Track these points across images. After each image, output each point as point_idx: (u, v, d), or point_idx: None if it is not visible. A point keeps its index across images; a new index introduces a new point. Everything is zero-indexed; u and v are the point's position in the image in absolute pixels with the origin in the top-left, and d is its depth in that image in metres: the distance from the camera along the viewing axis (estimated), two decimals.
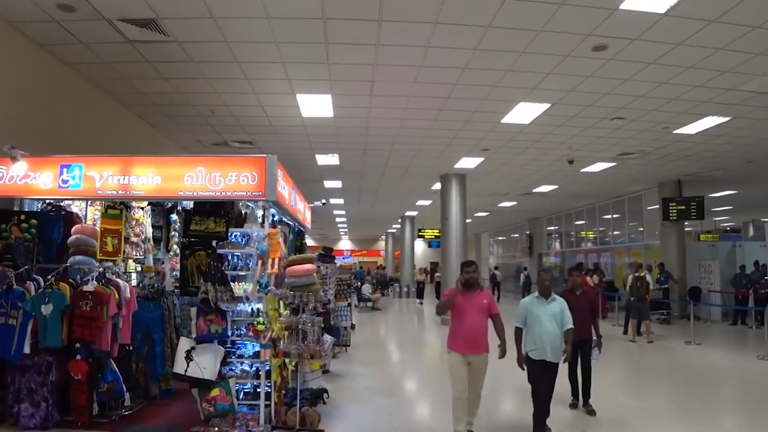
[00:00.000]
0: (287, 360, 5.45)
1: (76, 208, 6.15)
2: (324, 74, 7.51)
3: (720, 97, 8.45)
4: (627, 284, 12.42)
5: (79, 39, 6.24)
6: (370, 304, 19.16)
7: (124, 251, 6.07)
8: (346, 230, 39.21)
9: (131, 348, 5.68)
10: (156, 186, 5.53)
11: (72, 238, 5.51)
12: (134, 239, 6.43)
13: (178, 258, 7.15)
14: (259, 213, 6.00)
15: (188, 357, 5.11)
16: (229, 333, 5.36)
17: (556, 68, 7.34)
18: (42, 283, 5.25)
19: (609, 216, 20.89)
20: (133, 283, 6.46)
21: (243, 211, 6.00)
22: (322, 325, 5.43)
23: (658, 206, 16.53)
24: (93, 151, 5.98)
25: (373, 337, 13.05)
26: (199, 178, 5.49)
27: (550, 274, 5.52)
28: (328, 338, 6.41)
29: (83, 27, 5.95)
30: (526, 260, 30.35)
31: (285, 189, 6.25)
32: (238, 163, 5.57)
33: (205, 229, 5.59)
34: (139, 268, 6.85)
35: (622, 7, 5.65)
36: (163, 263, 7.36)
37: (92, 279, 5.27)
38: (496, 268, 28.42)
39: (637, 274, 11.78)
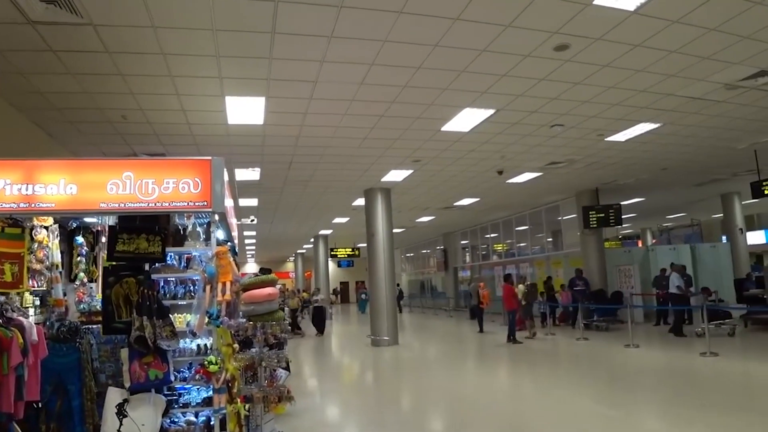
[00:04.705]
0: (243, 405, 4.53)
1: None
2: (263, 72, 6.65)
3: (657, 103, 8.56)
4: (521, 292, 14.67)
5: None
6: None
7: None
8: (253, 252, 37.47)
9: (39, 405, 4.46)
10: (70, 197, 4.42)
11: None
12: (36, 266, 5.16)
13: (85, 288, 6.04)
14: (199, 228, 5.04)
15: (120, 412, 4.05)
16: (172, 378, 4.34)
17: (512, 70, 6.99)
18: None
19: (526, 227, 21.31)
20: (32, 320, 5.20)
21: (180, 227, 5.00)
22: (290, 360, 4.55)
23: (575, 215, 17.02)
24: None
25: (303, 364, 12.06)
26: (126, 187, 4.46)
27: None
28: (282, 373, 5.51)
29: None
30: (440, 275, 30.58)
31: (228, 200, 5.33)
32: (176, 168, 4.60)
33: (135, 249, 4.54)
34: (38, 302, 5.59)
35: (596, 2, 5.36)
36: (66, 295, 6.13)
37: None
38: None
39: (528, 283, 15.39)
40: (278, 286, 7.21)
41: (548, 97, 8.10)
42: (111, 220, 4.88)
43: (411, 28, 5.73)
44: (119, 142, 9.23)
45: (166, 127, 8.69)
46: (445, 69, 6.91)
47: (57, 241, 5.47)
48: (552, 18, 5.67)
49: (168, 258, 4.81)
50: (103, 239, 5.75)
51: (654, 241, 30.13)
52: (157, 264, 4.68)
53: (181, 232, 4.98)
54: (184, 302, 4.81)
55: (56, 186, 4.40)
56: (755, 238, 23.64)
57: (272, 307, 4.64)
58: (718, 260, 17.53)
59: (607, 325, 14.38)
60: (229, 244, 6.31)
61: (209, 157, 4.59)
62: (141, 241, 4.55)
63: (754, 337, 11.68)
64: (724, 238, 22.41)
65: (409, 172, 12.96)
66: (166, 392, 4.43)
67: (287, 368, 5.58)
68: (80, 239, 6.05)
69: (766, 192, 11.74)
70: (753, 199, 12.59)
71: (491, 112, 8.66)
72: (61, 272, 5.56)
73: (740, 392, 7.29)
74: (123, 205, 4.47)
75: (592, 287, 15.56)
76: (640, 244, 29.73)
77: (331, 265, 32.16)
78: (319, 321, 18.28)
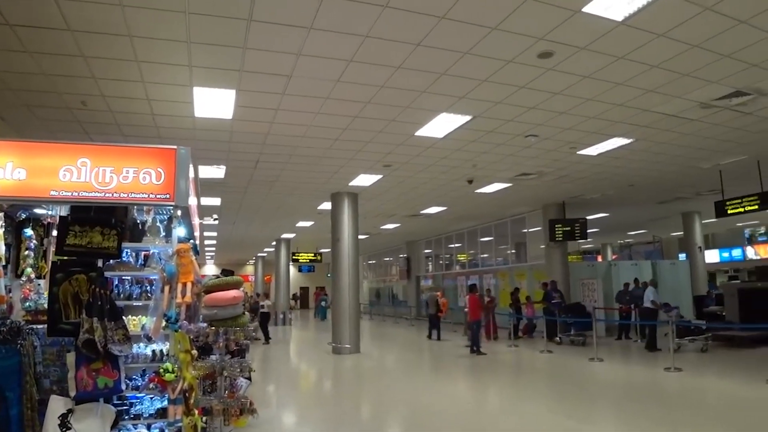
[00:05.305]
0: (200, 418, 4.18)
1: None
2: (235, 62, 6.32)
3: (633, 118, 8.58)
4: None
5: None
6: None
7: None
8: (213, 254, 36.52)
9: None
10: (18, 183, 4.02)
11: None
12: None
13: (32, 285, 5.57)
14: (159, 223, 4.67)
15: (64, 424, 3.65)
16: (123, 386, 3.96)
17: (493, 75, 6.85)
18: None
19: (490, 238, 21.33)
20: None
21: (138, 221, 4.61)
22: (253, 369, 4.23)
23: (540, 228, 17.10)
24: None
25: (262, 372, 11.62)
26: (82, 174, 4.09)
27: None
28: (243, 382, 5.16)
29: None
30: (402, 283, 30.42)
31: (192, 198, 4.98)
32: (137, 156, 4.25)
33: (88, 243, 4.15)
34: None
35: (585, 9, 5.26)
36: (11, 291, 5.65)
37: None
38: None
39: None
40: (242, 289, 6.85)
41: (526, 106, 8.00)
42: (63, 210, 4.46)
43: (394, 24, 5.50)
44: (78, 130, 8.70)
45: (129, 117, 8.22)
46: (425, 70, 6.71)
47: (1, 232, 5.02)
48: (539, 23, 5.55)
49: (124, 254, 4.43)
50: (54, 232, 5.32)
51: (614, 256, 30.70)
52: (111, 260, 4.30)
53: (140, 226, 4.60)
54: (139, 303, 4.43)
55: (2, 170, 3.99)
56: (709, 257, 24.30)
57: (236, 312, 4.32)
58: (677, 277, 17.91)
59: (584, 338, 14.23)
60: (191, 242, 5.94)
61: (174, 146, 4.25)
62: (95, 234, 4.16)
63: (715, 353, 11.85)
64: (682, 255, 22.95)
65: (379, 177, 12.74)
66: (116, 402, 4.05)
67: (248, 377, 5.25)
68: (29, 232, 5.59)
69: (729, 211, 11.98)
70: (716, 217, 12.82)
71: (468, 118, 8.52)
72: (4, 266, 5.11)
73: (704, 407, 7.35)
74: (76, 194, 4.09)
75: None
76: (599, 259, 30.24)
77: (292, 269, 31.64)
78: (265, 328, 17.54)
